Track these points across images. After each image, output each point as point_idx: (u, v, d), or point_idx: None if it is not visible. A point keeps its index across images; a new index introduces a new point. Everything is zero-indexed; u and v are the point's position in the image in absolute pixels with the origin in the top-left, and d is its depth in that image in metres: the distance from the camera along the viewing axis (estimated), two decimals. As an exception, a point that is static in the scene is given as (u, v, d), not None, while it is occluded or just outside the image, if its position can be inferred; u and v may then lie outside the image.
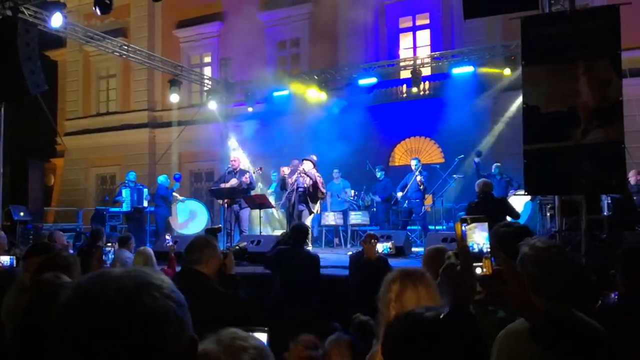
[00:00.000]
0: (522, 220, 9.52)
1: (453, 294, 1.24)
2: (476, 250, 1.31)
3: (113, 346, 0.74)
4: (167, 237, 6.90)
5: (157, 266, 5.54)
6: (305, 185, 8.99)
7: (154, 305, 0.79)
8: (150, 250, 5.72)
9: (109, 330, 0.75)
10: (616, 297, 2.80)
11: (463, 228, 1.32)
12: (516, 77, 10.46)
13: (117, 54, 12.05)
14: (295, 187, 9.07)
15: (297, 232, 5.91)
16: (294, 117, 13.92)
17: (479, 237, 1.32)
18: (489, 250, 1.31)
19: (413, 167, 10.55)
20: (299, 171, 9.10)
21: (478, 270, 1.30)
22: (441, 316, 1.23)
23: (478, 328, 1.21)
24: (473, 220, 1.33)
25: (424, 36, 15.47)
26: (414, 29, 15.66)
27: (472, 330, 1.20)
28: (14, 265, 3.78)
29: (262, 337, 1.94)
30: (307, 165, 9.12)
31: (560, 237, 6.40)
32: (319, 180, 9.06)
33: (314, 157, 9.37)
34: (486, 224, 1.33)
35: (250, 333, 1.18)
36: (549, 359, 1.43)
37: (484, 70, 11.79)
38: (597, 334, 1.39)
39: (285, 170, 9.60)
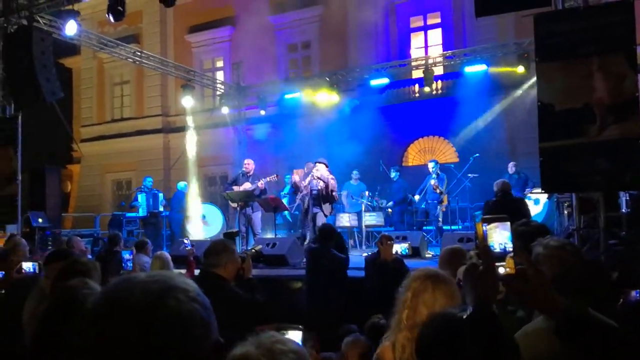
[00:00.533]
0: (539, 219, 9.45)
1: (475, 294, 1.24)
2: (497, 249, 1.31)
3: (140, 349, 0.76)
4: (185, 241, 6.94)
5: (173, 270, 5.58)
6: (319, 188, 9.03)
7: (179, 308, 0.81)
8: (167, 254, 5.76)
9: (136, 333, 0.77)
10: (638, 295, 2.77)
11: (484, 228, 1.31)
12: (530, 75, 10.38)
13: (131, 60, 12.19)
14: (309, 190, 9.11)
15: (323, 233, 5.91)
16: (306, 120, 13.96)
17: (500, 237, 1.32)
18: (511, 249, 1.31)
19: (430, 170, 10.47)
20: (312, 174, 9.14)
21: (501, 270, 1.31)
22: (464, 316, 1.23)
23: (502, 326, 1.21)
24: (494, 220, 1.32)
25: (436, 35, 15.41)
26: (425, 28, 15.60)
27: (497, 328, 1.20)
28: (37, 272, 3.82)
29: (297, 335, 1.97)
30: (321, 168, 9.15)
31: (578, 235, 6.33)
32: (332, 183, 9.10)
33: (324, 161, 9.40)
34: (508, 223, 1.33)
35: (285, 332, 1.16)
36: (569, 357, 1.42)
37: (497, 70, 11.69)
38: (616, 332, 1.39)
39: (299, 172, 9.63)
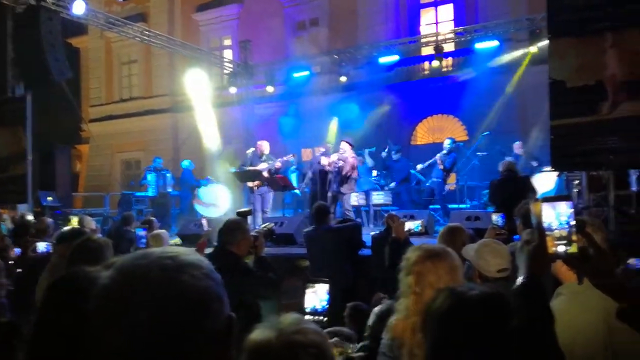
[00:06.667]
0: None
1: (527, 267, 1.35)
2: (547, 226, 1.37)
3: (157, 324, 0.77)
4: (202, 221, 6.97)
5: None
6: (344, 169, 9.03)
7: (195, 284, 0.81)
8: (165, 233, 5.71)
9: (153, 308, 0.77)
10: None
11: (541, 207, 1.38)
12: (542, 52, 10.21)
13: (138, 39, 12.14)
14: (333, 168, 9.10)
15: (315, 212, 5.89)
16: (315, 98, 13.88)
17: (548, 215, 1.37)
18: (555, 228, 1.35)
19: (445, 146, 10.24)
20: (339, 154, 9.11)
21: (562, 248, 1.34)
22: (516, 284, 1.34)
23: (547, 298, 1.33)
24: (555, 199, 1.38)
25: (446, 11, 15.16)
26: (436, 3, 15.35)
27: (544, 299, 1.33)
28: (50, 252, 3.87)
29: (324, 287, 2.11)
30: (345, 147, 9.11)
31: (588, 213, 6.31)
32: (351, 161, 9.09)
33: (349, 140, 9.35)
34: (561, 203, 1.37)
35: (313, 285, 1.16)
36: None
37: (509, 55, 11.45)
38: None
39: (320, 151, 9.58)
